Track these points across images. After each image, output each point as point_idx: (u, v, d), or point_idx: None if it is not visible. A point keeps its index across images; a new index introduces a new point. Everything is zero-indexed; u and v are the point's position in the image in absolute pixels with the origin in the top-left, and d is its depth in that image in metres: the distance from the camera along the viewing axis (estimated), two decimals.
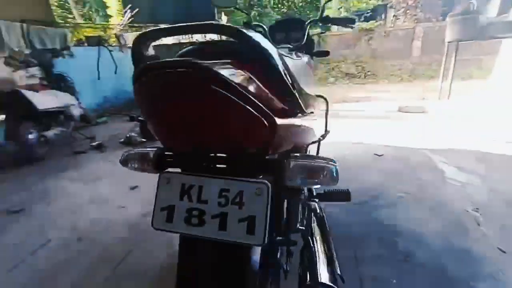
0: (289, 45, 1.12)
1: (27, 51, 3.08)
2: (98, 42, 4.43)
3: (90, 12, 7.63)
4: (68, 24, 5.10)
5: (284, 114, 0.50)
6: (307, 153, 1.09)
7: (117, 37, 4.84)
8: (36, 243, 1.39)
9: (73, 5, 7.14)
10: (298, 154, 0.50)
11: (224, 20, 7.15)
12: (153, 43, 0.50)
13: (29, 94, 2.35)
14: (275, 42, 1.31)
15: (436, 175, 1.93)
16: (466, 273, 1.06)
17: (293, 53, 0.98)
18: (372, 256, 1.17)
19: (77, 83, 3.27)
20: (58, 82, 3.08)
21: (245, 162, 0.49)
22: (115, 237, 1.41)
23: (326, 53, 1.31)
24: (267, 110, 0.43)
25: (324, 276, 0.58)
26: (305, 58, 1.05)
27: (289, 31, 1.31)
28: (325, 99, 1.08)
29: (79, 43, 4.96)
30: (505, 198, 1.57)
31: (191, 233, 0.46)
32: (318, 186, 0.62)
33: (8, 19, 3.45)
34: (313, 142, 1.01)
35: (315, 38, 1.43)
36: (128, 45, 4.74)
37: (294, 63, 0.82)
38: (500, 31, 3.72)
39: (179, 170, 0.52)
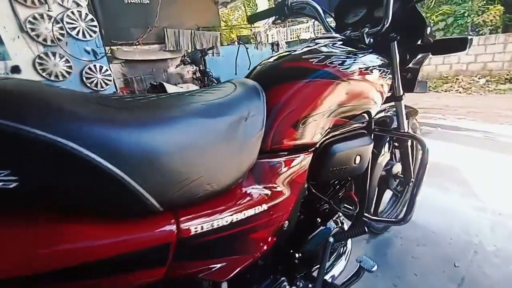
0: (362, 33, 0.74)
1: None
2: (246, 41, 5.17)
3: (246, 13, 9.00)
4: (225, 27, 6.30)
5: None
6: None
7: (255, 35, 5.44)
8: None
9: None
10: None
11: None
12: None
13: (168, 86, 3.05)
14: (344, 26, 0.89)
15: None
16: None
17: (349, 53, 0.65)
18: None
19: (219, 77, 3.97)
20: (203, 77, 3.86)
21: None
22: None
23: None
24: None
25: None
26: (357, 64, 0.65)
27: (370, 7, 0.83)
28: None
29: (232, 42, 5.98)
30: None
31: None
32: None
33: (188, 28, 4.68)
34: None
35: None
36: (264, 42, 5.22)
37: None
38: None
39: None
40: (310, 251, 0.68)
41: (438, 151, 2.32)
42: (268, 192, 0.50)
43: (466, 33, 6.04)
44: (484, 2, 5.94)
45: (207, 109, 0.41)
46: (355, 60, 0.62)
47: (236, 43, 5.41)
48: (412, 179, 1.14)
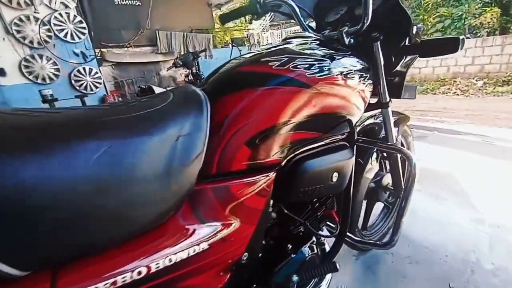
0: (340, 32, 0.65)
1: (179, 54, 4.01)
2: (240, 43, 5.08)
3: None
4: (218, 29, 6.23)
5: None
6: None
7: (248, 37, 5.37)
8: None
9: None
10: None
11: None
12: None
13: (157, 89, 2.96)
14: (323, 25, 0.81)
15: None
16: None
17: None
18: None
19: None
20: (196, 80, 3.78)
21: None
22: None
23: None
24: None
25: None
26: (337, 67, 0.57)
27: (351, 4, 0.74)
28: None
29: (226, 44, 5.91)
30: None
31: None
32: None
33: (181, 30, 4.61)
34: None
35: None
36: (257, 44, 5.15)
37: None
38: None
39: None
40: (279, 285, 0.59)
41: (433, 156, 2.24)
42: (214, 225, 0.41)
43: (463, 35, 5.99)
44: (481, 4, 5.90)
45: (113, 128, 0.32)
46: (327, 63, 0.53)
47: (229, 45, 5.34)
48: (402, 194, 1.06)
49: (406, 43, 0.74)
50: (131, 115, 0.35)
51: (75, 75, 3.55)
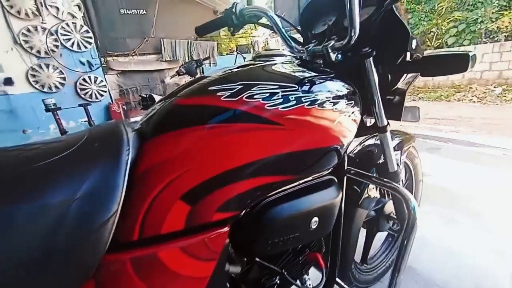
0: (325, 47, 0.55)
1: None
2: (245, 50, 5.04)
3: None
4: (224, 37, 6.23)
5: None
6: None
7: (252, 44, 5.33)
8: None
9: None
10: None
11: None
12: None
13: (158, 98, 2.94)
14: (311, 38, 0.71)
15: None
16: None
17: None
18: None
19: None
20: None
21: None
22: None
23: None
24: None
25: None
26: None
27: (340, 14, 0.63)
28: None
29: (231, 51, 5.90)
30: None
31: None
32: None
33: (186, 38, 4.62)
34: None
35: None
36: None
37: None
38: None
39: None
40: None
41: (447, 172, 2.06)
42: None
43: (479, 40, 5.71)
44: (498, 8, 5.62)
45: None
46: (296, 91, 0.43)
47: (234, 52, 5.32)
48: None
49: (406, 59, 0.63)
50: (17, 171, 0.26)
51: (80, 84, 3.59)
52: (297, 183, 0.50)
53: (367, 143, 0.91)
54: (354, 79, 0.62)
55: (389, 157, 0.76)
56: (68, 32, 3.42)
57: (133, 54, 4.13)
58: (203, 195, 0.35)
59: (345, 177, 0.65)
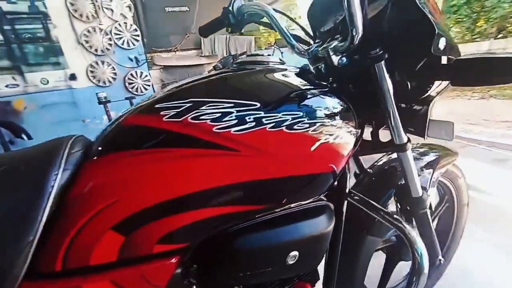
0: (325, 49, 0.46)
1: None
2: (285, 44, 4.92)
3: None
4: (263, 31, 6.13)
5: None
6: None
7: None
8: None
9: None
10: None
11: None
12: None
13: None
14: (318, 36, 0.61)
15: None
16: None
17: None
18: None
19: None
20: None
21: None
22: None
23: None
24: None
25: None
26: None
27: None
28: None
29: (270, 46, 5.79)
30: None
31: None
32: None
33: (224, 33, 4.71)
34: None
35: None
36: None
37: None
38: None
39: None
40: None
41: (481, 181, 1.69)
42: None
43: None
44: None
45: None
46: (258, 111, 0.36)
47: (274, 46, 5.20)
48: (439, 257, 0.77)
49: (436, 62, 0.49)
50: None
51: (128, 78, 3.95)
52: (281, 210, 0.43)
53: (389, 157, 0.77)
54: (365, 86, 0.51)
55: (412, 180, 0.62)
56: (120, 31, 3.77)
57: (175, 50, 4.37)
58: (138, 226, 0.31)
59: (346, 202, 0.56)
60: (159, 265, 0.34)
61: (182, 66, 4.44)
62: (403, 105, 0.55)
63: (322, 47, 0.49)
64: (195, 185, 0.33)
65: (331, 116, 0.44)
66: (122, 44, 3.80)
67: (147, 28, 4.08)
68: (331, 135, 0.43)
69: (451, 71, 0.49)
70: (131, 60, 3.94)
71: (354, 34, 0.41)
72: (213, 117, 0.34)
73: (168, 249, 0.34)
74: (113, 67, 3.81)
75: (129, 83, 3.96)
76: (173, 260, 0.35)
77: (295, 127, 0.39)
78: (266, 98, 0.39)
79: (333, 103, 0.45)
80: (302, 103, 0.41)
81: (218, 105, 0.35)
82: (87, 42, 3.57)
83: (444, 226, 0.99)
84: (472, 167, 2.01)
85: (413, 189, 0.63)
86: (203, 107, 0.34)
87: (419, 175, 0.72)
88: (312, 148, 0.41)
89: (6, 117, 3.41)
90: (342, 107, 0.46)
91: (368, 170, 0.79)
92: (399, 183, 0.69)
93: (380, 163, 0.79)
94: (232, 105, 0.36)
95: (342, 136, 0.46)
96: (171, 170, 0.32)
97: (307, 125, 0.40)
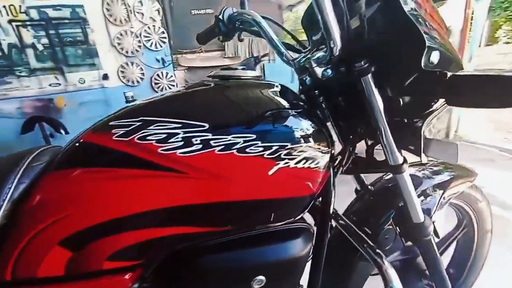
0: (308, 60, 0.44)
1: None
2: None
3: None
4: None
5: None
6: None
7: None
8: None
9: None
10: None
11: None
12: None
13: None
14: (310, 46, 0.59)
15: None
16: None
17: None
18: None
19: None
20: None
21: None
22: None
23: None
24: None
25: None
26: None
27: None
28: None
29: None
30: None
31: None
32: None
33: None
34: None
35: None
36: None
37: None
38: None
39: None
40: None
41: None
42: None
43: None
44: None
45: None
46: (207, 131, 0.34)
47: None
48: None
49: (430, 77, 0.43)
50: None
51: (155, 79, 4.15)
52: (252, 231, 0.42)
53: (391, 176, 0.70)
54: (354, 100, 0.47)
55: (411, 205, 0.56)
56: (149, 34, 3.97)
57: (200, 51, 4.49)
58: (85, 242, 0.31)
59: (329, 224, 0.52)
60: (110, 281, 0.34)
61: (206, 67, 4.56)
62: (398, 120, 0.50)
63: (305, 57, 0.46)
64: (141, 205, 0.32)
65: (293, 138, 0.40)
66: (150, 46, 4.01)
67: (174, 30, 4.25)
68: (291, 159, 0.40)
69: (446, 88, 0.42)
70: (158, 61, 4.14)
71: (332, 46, 0.38)
72: (159, 138, 0.33)
73: (119, 266, 0.34)
74: (141, 67, 4.03)
75: (155, 83, 4.17)
76: (126, 277, 0.35)
77: (247, 150, 0.36)
78: (216, 119, 0.37)
79: (299, 125, 0.42)
80: (258, 125, 0.38)
81: (166, 125, 0.34)
82: (119, 44, 3.82)
83: (462, 254, 0.88)
84: None
85: (413, 214, 0.57)
86: (151, 127, 0.34)
87: (428, 196, 0.65)
88: (270, 173, 0.38)
89: (48, 113, 3.78)
90: (311, 129, 0.43)
91: (370, 186, 0.73)
92: (400, 205, 0.62)
93: (383, 180, 0.73)
94: (180, 125, 0.35)
95: (309, 159, 0.42)
96: (117, 190, 0.32)
97: (261, 149, 0.37)
